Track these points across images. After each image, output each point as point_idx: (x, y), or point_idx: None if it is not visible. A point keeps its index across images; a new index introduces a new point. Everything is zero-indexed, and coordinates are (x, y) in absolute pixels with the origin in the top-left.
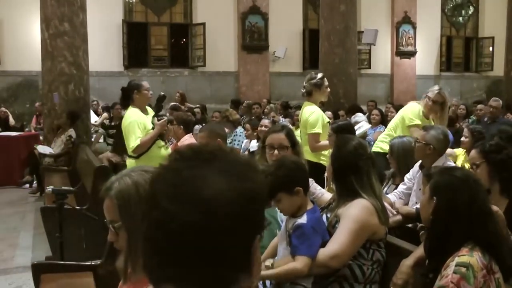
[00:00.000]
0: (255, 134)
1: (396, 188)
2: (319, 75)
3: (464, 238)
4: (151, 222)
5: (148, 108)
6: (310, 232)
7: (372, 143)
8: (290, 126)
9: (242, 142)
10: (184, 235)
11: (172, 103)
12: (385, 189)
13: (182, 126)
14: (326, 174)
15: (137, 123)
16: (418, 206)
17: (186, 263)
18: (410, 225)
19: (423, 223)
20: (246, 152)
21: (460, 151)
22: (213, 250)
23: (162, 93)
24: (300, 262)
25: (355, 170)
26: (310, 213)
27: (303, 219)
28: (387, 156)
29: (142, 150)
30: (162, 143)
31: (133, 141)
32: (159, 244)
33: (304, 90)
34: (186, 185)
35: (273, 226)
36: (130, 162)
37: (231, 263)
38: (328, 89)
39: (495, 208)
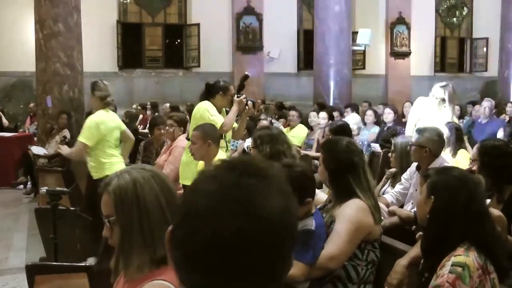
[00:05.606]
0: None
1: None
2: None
3: (461, 237)
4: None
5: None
6: (316, 239)
7: (366, 143)
8: (283, 127)
9: (237, 142)
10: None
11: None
12: (384, 188)
13: (182, 128)
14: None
15: (209, 109)
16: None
17: (237, 277)
18: (407, 227)
19: (419, 223)
20: (241, 152)
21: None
22: (265, 263)
23: (247, 72)
24: (298, 268)
25: (351, 167)
26: (316, 217)
27: (311, 224)
28: (389, 154)
29: (229, 128)
30: (223, 143)
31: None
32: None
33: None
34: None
35: None
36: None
37: (279, 274)
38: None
39: (497, 212)
